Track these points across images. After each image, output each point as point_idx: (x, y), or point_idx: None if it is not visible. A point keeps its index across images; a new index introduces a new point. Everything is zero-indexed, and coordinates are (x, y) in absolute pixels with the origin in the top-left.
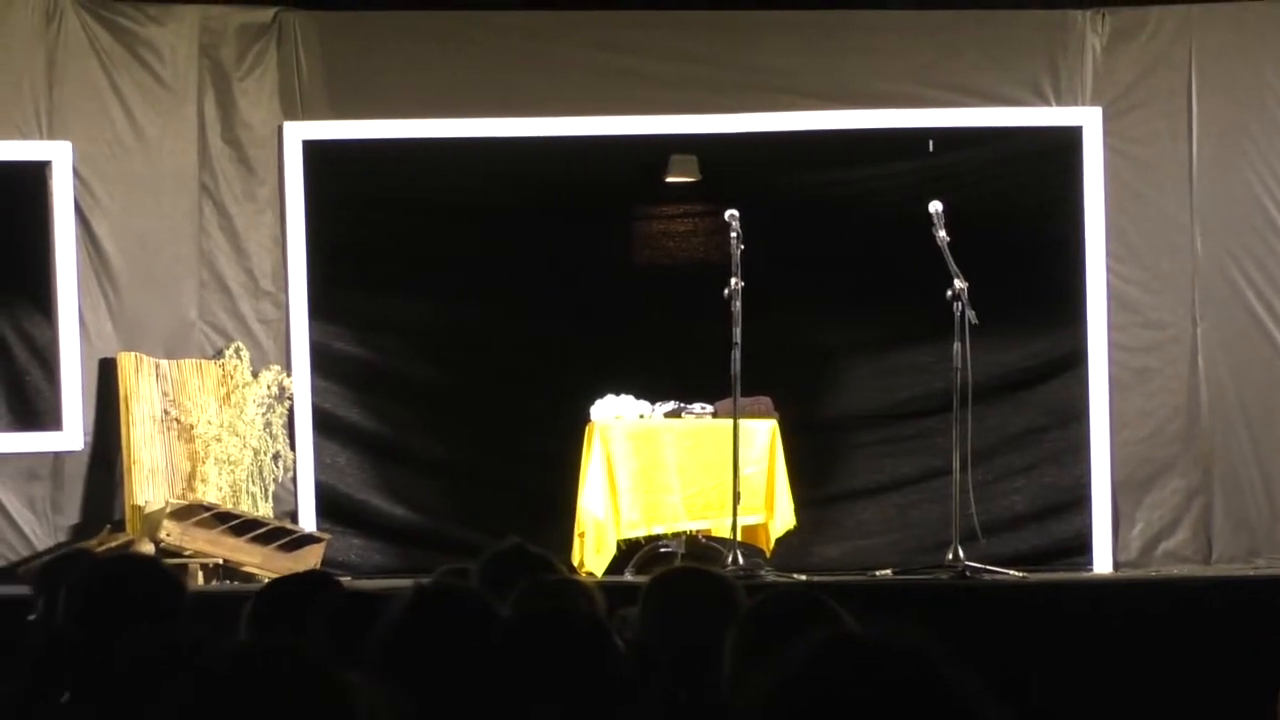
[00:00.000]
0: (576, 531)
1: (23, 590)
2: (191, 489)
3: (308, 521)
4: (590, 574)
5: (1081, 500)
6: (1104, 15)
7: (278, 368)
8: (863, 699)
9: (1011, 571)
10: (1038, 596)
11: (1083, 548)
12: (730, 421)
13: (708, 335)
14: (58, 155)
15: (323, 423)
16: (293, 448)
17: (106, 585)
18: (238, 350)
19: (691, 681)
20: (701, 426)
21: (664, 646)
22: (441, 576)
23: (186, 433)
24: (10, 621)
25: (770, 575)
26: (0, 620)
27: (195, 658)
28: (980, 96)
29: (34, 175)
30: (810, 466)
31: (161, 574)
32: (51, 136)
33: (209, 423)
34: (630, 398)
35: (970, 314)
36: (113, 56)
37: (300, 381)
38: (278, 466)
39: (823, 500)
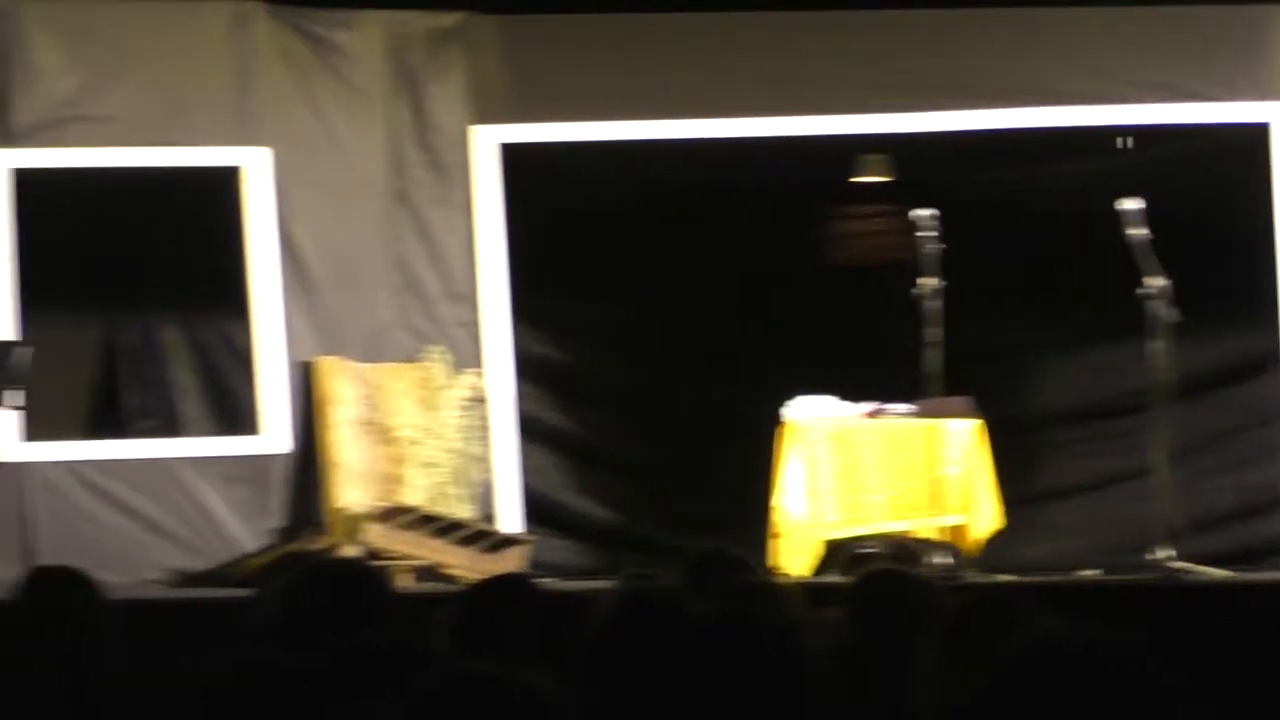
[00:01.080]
0: (771, 533)
1: (232, 592)
2: (394, 492)
3: (511, 523)
4: (787, 575)
5: None
6: None
7: (475, 370)
8: (1071, 704)
9: (1219, 570)
10: (1250, 596)
11: None
12: (931, 421)
13: (899, 335)
14: (253, 161)
15: (520, 425)
16: (492, 450)
17: (316, 587)
18: (435, 353)
19: (893, 684)
20: (902, 426)
21: (865, 649)
22: (627, 581)
23: (386, 436)
24: (217, 622)
25: (972, 576)
26: (207, 621)
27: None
28: (1171, 92)
29: (227, 181)
30: (1009, 465)
31: (369, 576)
32: (244, 143)
33: (409, 426)
34: (829, 398)
35: (1171, 312)
36: (303, 62)
37: (500, 384)
38: (478, 469)
39: (1023, 500)
